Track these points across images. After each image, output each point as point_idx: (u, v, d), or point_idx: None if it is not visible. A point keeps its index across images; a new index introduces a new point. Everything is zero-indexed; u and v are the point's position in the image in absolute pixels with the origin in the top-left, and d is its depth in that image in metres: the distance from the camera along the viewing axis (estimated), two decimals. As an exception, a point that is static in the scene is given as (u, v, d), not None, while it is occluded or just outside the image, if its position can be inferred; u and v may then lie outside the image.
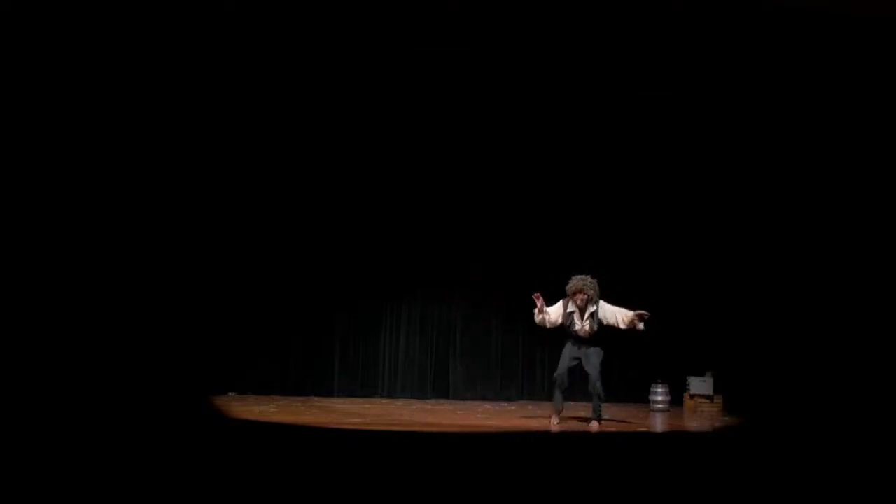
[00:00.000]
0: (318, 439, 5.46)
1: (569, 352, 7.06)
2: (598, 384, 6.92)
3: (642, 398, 9.29)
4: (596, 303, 7.05)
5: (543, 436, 6.57)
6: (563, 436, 6.58)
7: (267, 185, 9.37)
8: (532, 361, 10.12)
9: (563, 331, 7.15)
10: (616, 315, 7.05)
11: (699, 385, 9.27)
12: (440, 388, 9.86)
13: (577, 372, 7.11)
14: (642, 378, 9.40)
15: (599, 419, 6.98)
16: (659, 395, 9.05)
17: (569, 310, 7.04)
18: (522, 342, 10.09)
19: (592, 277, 7.10)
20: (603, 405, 7.08)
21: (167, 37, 7.05)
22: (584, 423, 7.07)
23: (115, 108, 7.50)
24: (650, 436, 6.89)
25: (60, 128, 7.18)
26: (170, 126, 8.00)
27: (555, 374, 7.13)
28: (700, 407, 9.21)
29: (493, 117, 8.71)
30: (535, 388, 10.04)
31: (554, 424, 6.96)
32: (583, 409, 8.94)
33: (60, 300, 7.12)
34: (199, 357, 8.66)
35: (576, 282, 7.02)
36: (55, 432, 4.80)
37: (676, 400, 9.28)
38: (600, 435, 6.60)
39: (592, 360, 6.99)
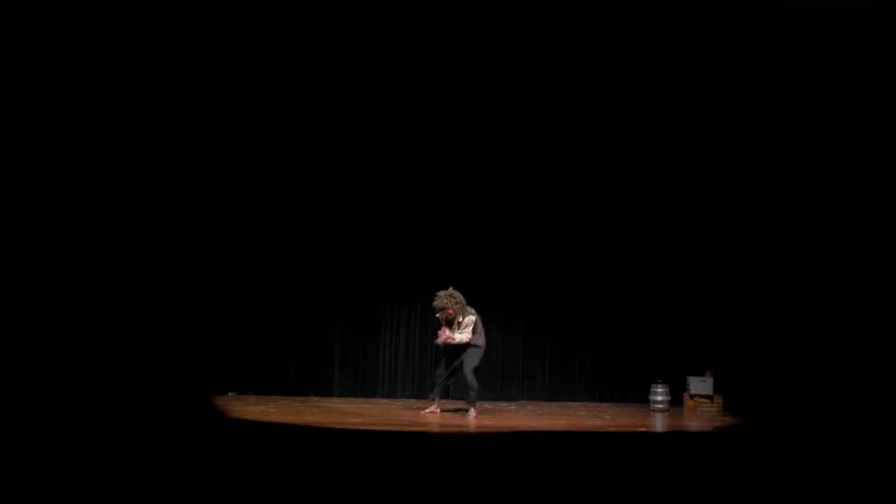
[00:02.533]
0: (318, 439, 5.46)
1: (447, 357, 7.76)
2: (469, 376, 7.49)
3: (642, 398, 9.29)
4: (464, 314, 7.60)
5: (543, 436, 6.57)
6: (562, 436, 6.58)
7: (268, 184, 9.36)
8: (532, 361, 10.12)
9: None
10: (465, 333, 7.60)
11: (699, 385, 9.27)
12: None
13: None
14: (642, 378, 9.40)
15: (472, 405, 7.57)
16: (659, 395, 9.04)
17: (444, 324, 7.66)
18: (522, 342, 10.09)
19: (454, 289, 7.64)
20: (475, 395, 7.62)
21: (167, 36, 7.05)
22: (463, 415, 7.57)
23: (115, 109, 7.50)
24: (650, 436, 6.89)
25: (61, 128, 7.18)
26: (171, 127, 8.00)
27: (435, 373, 7.97)
28: (700, 407, 9.21)
29: (494, 117, 8.70)
30: (535, 388, 10.03)
31: (430, 411, 7.75)
32: (583, 409, 8.96)
33: (62, 301, 7.12)
34: (199, 357, 8.66)
35: (438, 300, 7.56)
36: (56, 432, 4.80)
37: (676, 400, 9.28)
38: (600, 435, 6.60)
39: (468, 359, 7.56)
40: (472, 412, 7.49)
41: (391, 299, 9.89)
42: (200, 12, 6.82)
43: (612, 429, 7.03)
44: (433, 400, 7.92)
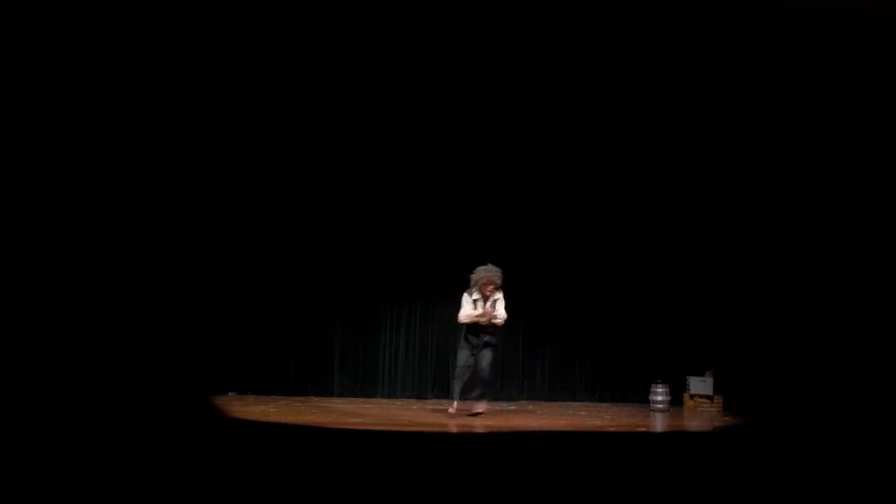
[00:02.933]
0: (318, 439, 5.46)
1: (469, 349, 7.51)
2: (488, 372, 7.46)
3: (642, 398, 9.29)
4: (500, 291, 7.51)
5: (543, 436, 6.57)
6: (562, 436, 6.58)
7: (268, 185, 9.37)
8: (532, 361, 10.12)
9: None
10: (500, 308, 7.49)
11: (699, 385, 9.27)
12: (440, 388, 9.85)
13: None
14: (642, 378, 9.40)
15: (484, 398, 7.56)
16: (659, 395, 9.04)
17: (474, 297, 7.47)
18: (522, 342, 10.08)
19: (495, 266, 7.51)
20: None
21: (167, 36, 7.05)
22: (471, 408, 7.51)
23: (115, 109, 7.50)
24: (650, 436, 6.89)
25: (60, 128, 7.18)
26: (170, 127, 8.00)
27: (458, 368, 7.56)
28: (700, 407, 9.21)
29: (493, 117, 8.70)
30: (535, 388, 10.03)
31: (451, 411, 7.49)
32: (583, 409, 8.96)
33: (62, 301, 7.12)
34: (199, 357, 8.66)
35: (487, 272, 7.41)
36: (56, 432, 4.80)
37: (676, 400, 9.28)
38: (600, 435, 6.60)
39: (486, 355, 7.45)
40: (484, 405, 7.46)
41: (391, 299, 9.89)
42: (200, 12, 6.82)
43: (612, 429, 7.03)
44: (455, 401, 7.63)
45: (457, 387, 7.55)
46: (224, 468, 3.96)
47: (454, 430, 6.66)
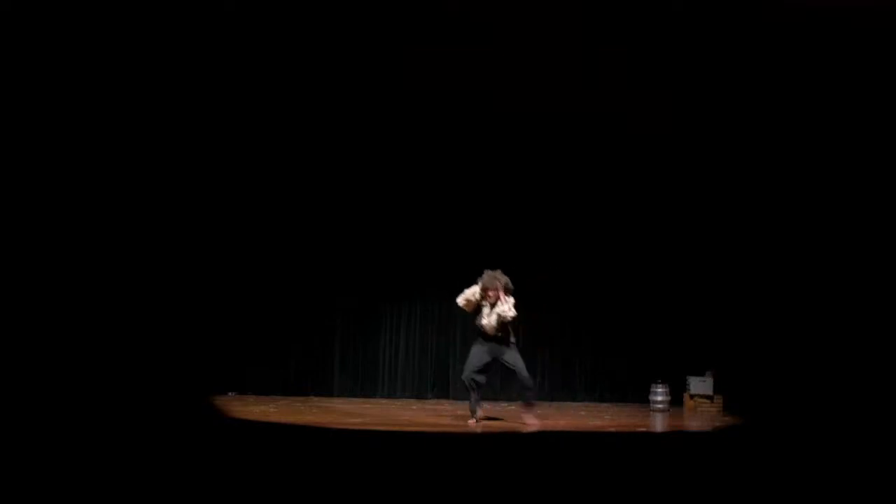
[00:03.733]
0: (318, 439, 5.46)
1: (479, 352, 6.99)
2: (527, 376, 7.01)
3: (642, 398, 9.29)
4: (506, 300, 6.96)
5: (543, 436, 6.57)
6: (563, 436, 6.58)
7: (268, 185, 9.37)
8: (532, 361, 10.09)
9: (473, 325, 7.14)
10: (507, 312, 6.95)
11: (699, 385, 9.27)
12: (440, 388, 9.86)
13: (494, 370, 7.23)
14: (642, 378, 9.40)
15: (532, 406, 7.14)
16: (659, 395, 9.05)
17: (480, 301, 6.99)
18: (522, 342, 10.06)
19: (502, 273, 7.02)
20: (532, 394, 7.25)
21: (167, 36, 7.05)
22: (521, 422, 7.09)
23: (115, 109, 7.50)
24: (650, 436, 6.89)
25: (60, 128, 7.18)
26: (170, 127, 8.00)
27: (464, 377, 6.96)
28: (700, 407, 9.21)
29: (494, 117, 8.71)
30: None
31: (472, 424, 6.85)
32: (583, 409, 8.96)
33: (62, 301, 7.12)
34: (199, 357, 8.66)
35: (488, 279, 6.94)
36: (56, 432, 4.80)
37: (676, 400, 9.28)
38: (600, 435, 6.60)
39: (513, 358, 7.00)
40: (533, 416, 7.08)
41: (391, 299, 9.89)
42: (200, 12, 6.82)
43: (612, 429, 7.03)
44: (476, 411, 7.00)
45: (474, 401, 6.93)
46: (224, 468, 3.96)
47: (454, 430, 6.65)
